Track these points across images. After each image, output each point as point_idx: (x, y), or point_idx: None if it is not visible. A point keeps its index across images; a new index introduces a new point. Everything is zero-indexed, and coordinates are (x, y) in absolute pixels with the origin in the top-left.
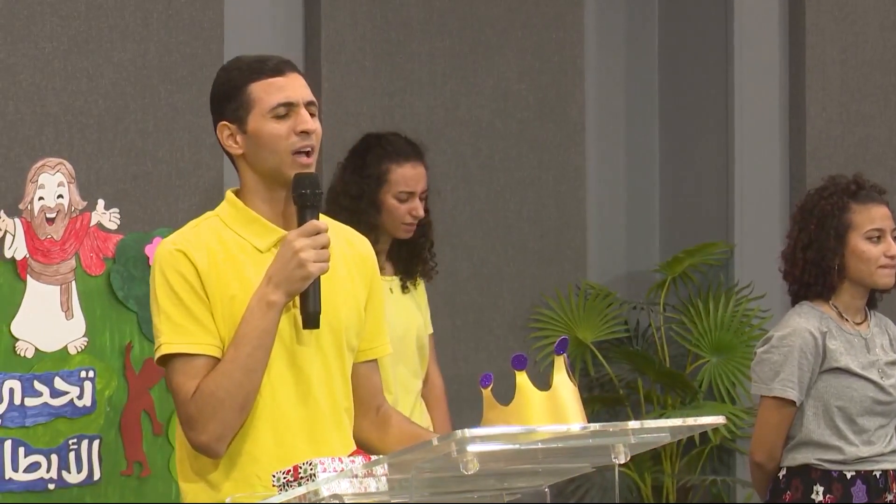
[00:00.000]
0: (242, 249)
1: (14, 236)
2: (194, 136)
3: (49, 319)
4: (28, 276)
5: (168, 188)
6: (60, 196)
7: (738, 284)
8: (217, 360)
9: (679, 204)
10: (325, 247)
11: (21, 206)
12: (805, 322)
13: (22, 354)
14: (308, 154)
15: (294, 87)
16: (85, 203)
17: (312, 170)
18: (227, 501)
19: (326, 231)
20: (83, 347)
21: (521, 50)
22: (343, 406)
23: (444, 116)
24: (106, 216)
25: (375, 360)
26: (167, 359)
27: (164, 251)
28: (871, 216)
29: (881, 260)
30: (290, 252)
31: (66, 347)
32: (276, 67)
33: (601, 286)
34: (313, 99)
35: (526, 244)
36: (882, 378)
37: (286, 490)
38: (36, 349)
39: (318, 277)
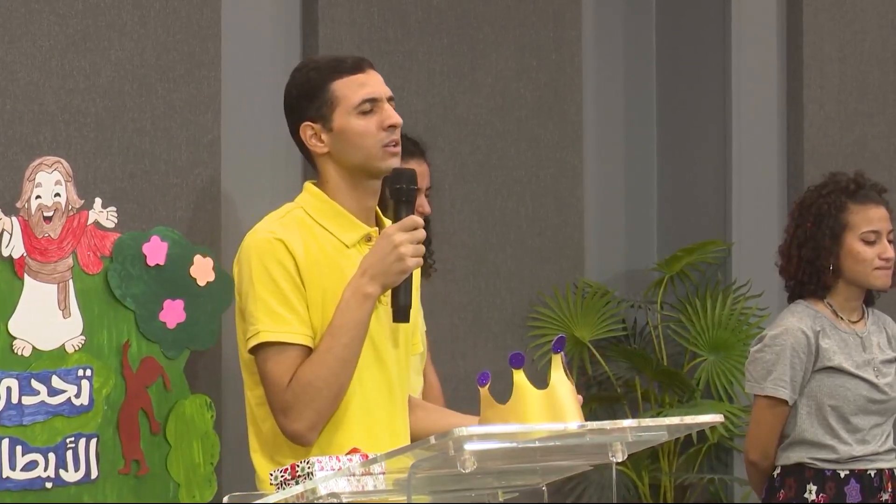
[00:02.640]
0: (331, 243)
1: (11, 235)
2: (192, 134)
3: (46, 318)
4: (25, 275)
5: (165, 186)
6: (58, 194)
7: (735, 283)
8: (309, 351)
9: (677, 202)
10: (420, 242)
11: (18, 205)
12: (798, 321)
13: (19, 353)
14: (396, 145)
15: (376, 82)
16: (82, 201)
17: (399, 162)
18: (224, 501)
19: (422, 226)
20: (81, 346)
21: (518, 48)
22: (406, 402)
23: (442, 115)
24: (103, 214)
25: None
26: (261, 346)
27: (262, 240)
28: (868, 217)
29: (876, 262)
30: (389, 246)
31: (63, 346)
32: (356, 65)
33: (599, 284)
34: (392, 94)
35: (524, 242)
36: (877, 377)
37: (284, 488)
38: (33, 348)
39: (412, 272)
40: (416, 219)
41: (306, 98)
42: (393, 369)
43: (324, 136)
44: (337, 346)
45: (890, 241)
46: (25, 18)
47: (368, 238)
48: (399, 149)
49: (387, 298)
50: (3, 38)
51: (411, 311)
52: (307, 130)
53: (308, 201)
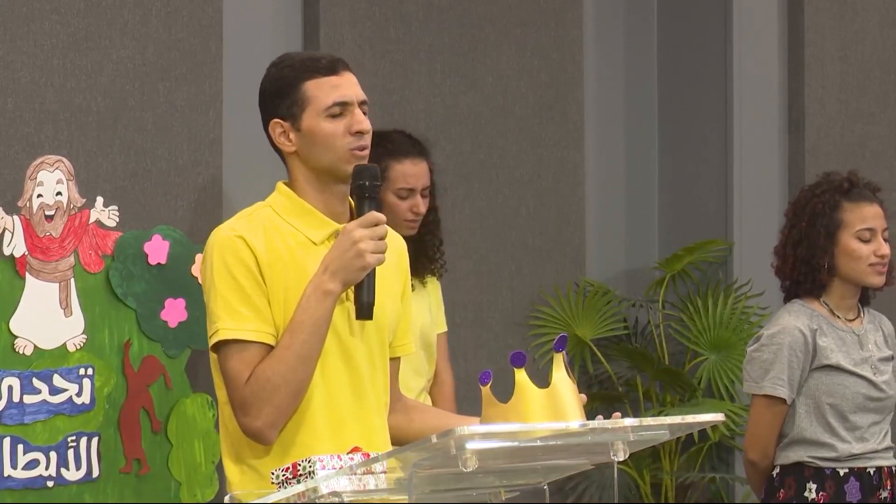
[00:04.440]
0: (297, 241)
1: (13, 234)
2: (193, 133)
3: (48, 317)
4: (27, 274)
5: (167, 185)
6: (59, 193)
7: (736, 282)
8: (270, 348)
9: (678, 201)
10: (382, 238)
11: (20, 204)
12: (795, 320)
13: (21, 352)
14: (362, 150)
15: (348, 85)
16: (84, 200)
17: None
18: (226, 500)
19: (384, 223)
20: (82, 345)
21: (520, 48)
22: (383, 401)
23: (444, 114)
24: (105, 213)
25: (399, 358)
26: (221, 344)
27: (223, 237)
28: (862, 215)
29: (871, 259)
30: (349, 242)
31: (64, 345)
32: (331, 66)
33: (600, 283)
34: (365, 98)
35: (525, 241)
36: (875, 374)
37: (285, 487)
38: (35, 346)
39: (374, 269)
40: (378, 215)
41: (278, 95)
42: (363, 365)
43: (292, 135)
44: (296, 343)
45: (885, 240)
46: (27, 17)
47: (338, 235)
48: (366, 153)
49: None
50: (5, 37)
51: (413, 312)
52: (276, 128)
53: (277, 200)
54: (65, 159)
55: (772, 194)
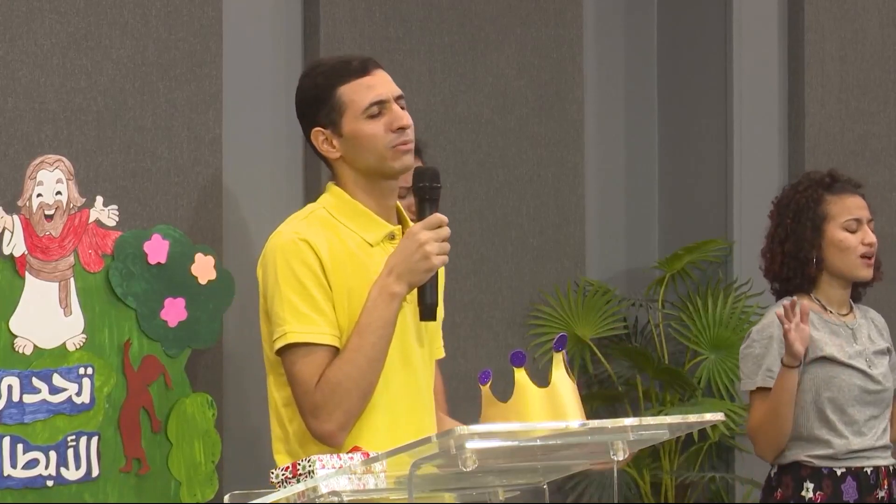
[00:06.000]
0: (355, 241)
1: (13, 233)
2: (193, 132)
3: (48, 316)
4: (27, 273)
5: (167, 185)
6: (59, 193)
7: (736, 281)
8: (337, 351)
9: (678, 201)
10: (446, 239)
11: (20, 203)
12: None
13: (20, 351)
14: (405, 144)
15: (382, 83)
16: (83, 200)
17: (412, 160)
18: (225, 500)
19: (447, 223)
20: (82, 344)
21: (520, 47)
22: (432, 399)
23: (443, 113)
24: (104, 213)
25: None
26: (288, 347)
27: (288, 241)
28: (846, 206)
29: (860, 248)
30: (415, 244)
31: (64, 344)
32: (362, 67)
33: (600, 283)
34: (401, 92)
35: (525, 241)
36: (870, 367)
37: (285, 487)
38: (34, 346)
39: (437, 271)
40: (441, 216)
41: (314, 104)
42: (420, 369)
43: (335, 142)
44: (365, 346)
45: (871, 230)
46: (27, 17)
47: (392, 236)
48: (410, 146)
49: (412, 297)
50: (5, 37)
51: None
52: (319, 136)
53: (330, 201)
54: (64, 159)
55: (772, 194)
